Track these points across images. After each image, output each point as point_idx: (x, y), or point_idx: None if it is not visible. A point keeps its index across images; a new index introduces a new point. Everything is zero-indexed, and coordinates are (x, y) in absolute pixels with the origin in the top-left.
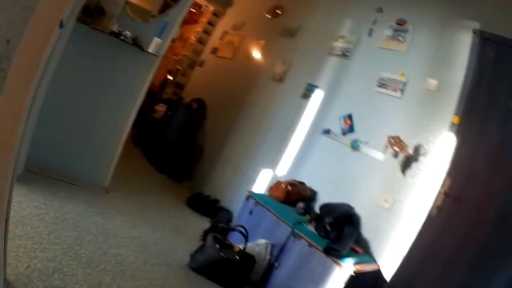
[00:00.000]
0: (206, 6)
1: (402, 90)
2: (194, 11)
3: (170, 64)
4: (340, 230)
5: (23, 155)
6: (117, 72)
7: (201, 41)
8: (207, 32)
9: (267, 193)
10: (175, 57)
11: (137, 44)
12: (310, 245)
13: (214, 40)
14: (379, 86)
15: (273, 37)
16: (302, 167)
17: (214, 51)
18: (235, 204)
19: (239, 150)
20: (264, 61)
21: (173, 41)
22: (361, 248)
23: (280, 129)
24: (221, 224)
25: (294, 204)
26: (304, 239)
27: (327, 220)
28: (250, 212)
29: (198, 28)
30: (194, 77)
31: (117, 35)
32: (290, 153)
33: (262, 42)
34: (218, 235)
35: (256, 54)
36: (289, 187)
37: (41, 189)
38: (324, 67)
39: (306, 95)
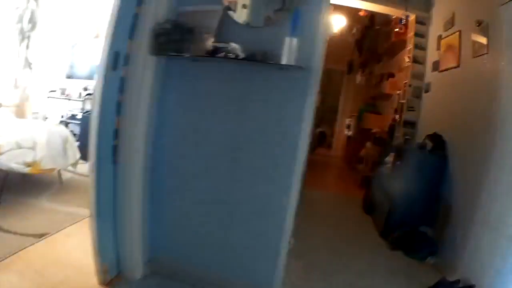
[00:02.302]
0: (406, 17)
1: None
2: (399, 29)
3: (395, 103)
4: None
5: (137, 251)
6: (249, 115)
7: (417, 60)
8: (420, 47)
9: None
10: (398, 92)
11: (259, 58)
12: None
13: (431, 53)
14: None
15: None
16: None
17: (436, 66)
18: None
19: (500, 202)
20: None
21: (392, 75)
22: None
23: None
24: None
25: None
26: None
27: None
28: None
29: (409, 45)
30: (424, 108)
31: (214, 52)
32: None
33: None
34: None
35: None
36: None
37: None
38: None
39: None
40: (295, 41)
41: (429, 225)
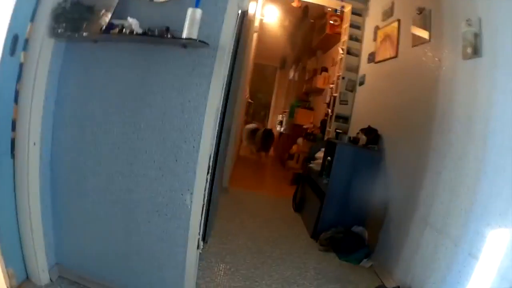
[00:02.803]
0: (341, 7)
1: None
2: (333, 22)
3: (327, 97)
4: None
5: (41, 255)
6: (148, 102)
7: (351, 52)
8: (356, 39)
9: None
10: (331, 86)
11: (158, 34)
12: None
13: (367, 45)
14: None
15: None
16: None
17: (371, 57)
18: None
19: (442, 199)
20: (441, 31)
21: (325, 69)
22: None
23: (508, 141)
24: None
25: None
26: None
27: None
28: None
29: (344, 37)
30: (358, 102)
31: (108, 29)
32: None
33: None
34: None
35: (423, 32)
36: None
37: None
38: None
39: None
40: (199, 12)
41: (363, 225)
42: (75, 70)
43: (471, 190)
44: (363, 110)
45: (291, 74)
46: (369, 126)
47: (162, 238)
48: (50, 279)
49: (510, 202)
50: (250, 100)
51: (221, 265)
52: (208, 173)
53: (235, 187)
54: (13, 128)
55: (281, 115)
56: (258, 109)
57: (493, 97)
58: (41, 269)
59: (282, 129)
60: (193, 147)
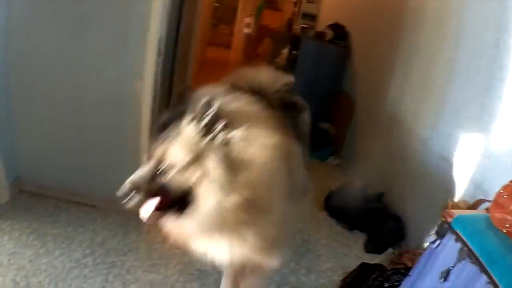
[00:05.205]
0: None
1: None
2: None
3: None
4: None
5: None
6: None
7: None
8: None
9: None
10: None
11: None
12: None
13: None
14: None
15: None
16: None
17: None
18: (411, 205)
19: (411, 97)
20: None
21: None
22: None
23: (480, 45)
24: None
25: None
26: None
27: None
28: (445, 277)
29: None
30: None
31: None
32: None
33: None
34: None
35: None
36: None
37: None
38: None
39: None
40: None
41: (330, 122)
42: None
43: (443, 90)
44: (331, 8)
45: None
46: (336, 22)
47: (114, 129)
48: (11, 195)
49: (483, 108)
50: (216, 4)
51: None
52: (158, 56)
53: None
54: None
55: (248, 18)
56: (225, 12)
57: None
58: (1, 188)
59: (249, 30)
60: (142, 31)
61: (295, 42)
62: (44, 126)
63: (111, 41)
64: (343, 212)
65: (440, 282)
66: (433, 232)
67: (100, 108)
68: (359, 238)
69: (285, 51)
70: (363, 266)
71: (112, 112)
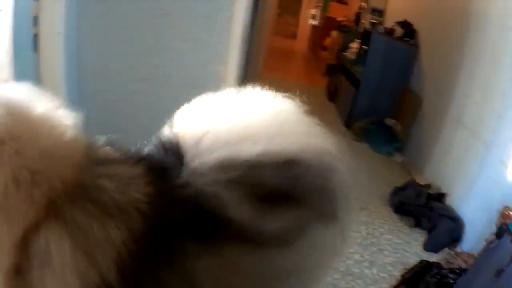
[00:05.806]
0: None
1: None
2: None
3: None
4: None
5: None
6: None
7: None
8: None
9: None
10: None
11: None
12: None
13: None
14: None
15: None
16: None
17: None
18: (468, 207)
19: (475, 99)
20: None
21: None
22: None
23: None
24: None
25: None
26: None
27: None
28: (498, 273)
29: None
30: None
31: None
32: None
33: None
34: None
35: None
36: None
37: None
38: None
39: None
40: None
41: (395, 119)
42: None
43: (507, 96)
44: (399, 5)
45: None
46: (405, 20)
47: None
48: None
49: None
50: None
51: None
52: (242, 42)
53: (268, 75)
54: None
55: (314, 10)
56: (290, 2)
57: None
58: None
59: (315, 22)
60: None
61: (365, 36)
62: (118, 106)
63: (195, 24)
64: (406, 210)
65: (494, 280)
66: (488, 235)
67: (178, 90)
68: (419, 236)
69: (354, 45)
70: (423, 263)
71: (192, 95)
